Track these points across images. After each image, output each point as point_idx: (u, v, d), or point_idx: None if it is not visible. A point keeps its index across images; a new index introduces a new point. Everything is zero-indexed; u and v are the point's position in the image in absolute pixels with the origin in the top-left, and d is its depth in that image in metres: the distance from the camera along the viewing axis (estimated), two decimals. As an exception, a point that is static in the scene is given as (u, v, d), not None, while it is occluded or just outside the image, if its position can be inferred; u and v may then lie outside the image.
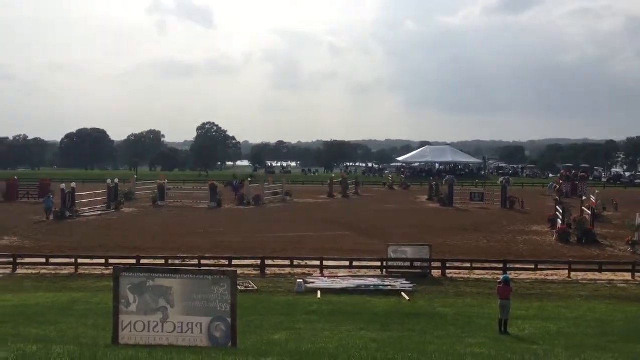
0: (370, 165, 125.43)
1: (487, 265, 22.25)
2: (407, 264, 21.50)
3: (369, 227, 33.95)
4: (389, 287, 19.16)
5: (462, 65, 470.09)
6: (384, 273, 21.35)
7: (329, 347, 10.02)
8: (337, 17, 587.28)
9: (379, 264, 21.80)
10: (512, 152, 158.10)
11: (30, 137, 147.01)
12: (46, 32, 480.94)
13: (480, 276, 21.27)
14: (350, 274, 21.12)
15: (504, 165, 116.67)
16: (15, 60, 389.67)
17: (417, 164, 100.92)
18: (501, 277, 15.05)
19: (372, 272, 21.41)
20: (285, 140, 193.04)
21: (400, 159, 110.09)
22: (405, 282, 19.79)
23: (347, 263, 21.90)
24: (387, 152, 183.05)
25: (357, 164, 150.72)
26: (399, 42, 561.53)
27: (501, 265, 21.40)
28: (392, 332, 13.11)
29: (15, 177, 56.27)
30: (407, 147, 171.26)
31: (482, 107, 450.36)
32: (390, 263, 21.57)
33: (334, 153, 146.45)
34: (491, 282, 19.21)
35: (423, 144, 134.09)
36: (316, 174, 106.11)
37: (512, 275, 18.79)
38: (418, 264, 21.56)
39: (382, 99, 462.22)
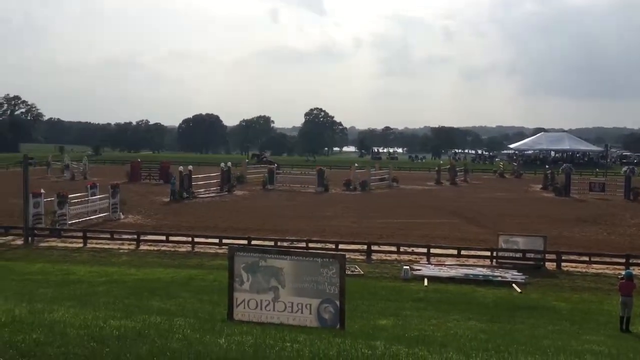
0: (480, 152, 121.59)
1: (607, 259, 20.91)
2: (519, 255, 20.69)
3: (478, 215, 33.04)
4: (499, 278, 18.57)
5: (584, 47, 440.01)
6: (494, 263, 20.73)
7: (436, 336, 9.90)
8: (451, 0, 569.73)
9: (488, 253, 21.19)
10: (638, 140, 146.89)
11: (152, 122, 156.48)
12: (171, 22, 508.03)
13: (599, 271, 20.05)
14: (458, 262, 20.70)
15: (628, 153, 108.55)
16: (143, 49, 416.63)
17: (530, 152, 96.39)
18: (623, 272, 14.13)
19: (481, 262, 20.86)
20: (392, 126, 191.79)
21: (512, 146, 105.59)
22: (516, 273, 19.09)
23: (455, 251, 21.46)
24: (498, 139, 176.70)
25: (466, 150, 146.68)
26: (516, 24, 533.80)
27: (623, 260, 20.06)
28: (502, 324, 12.72)
29: (139, 160, 60.28)
30: (520, 133, 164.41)
31: (605, 91, 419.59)
32: (500, 253, 20.89)
33: (442, 139, 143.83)
34: (612, 278, 18.11)
35: (538, 130, 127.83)
36: (423, 161, 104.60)
37: (635, 271, 17.55)
38: (531, 255, 20.68)
39: (495, 84, 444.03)
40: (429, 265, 20.10)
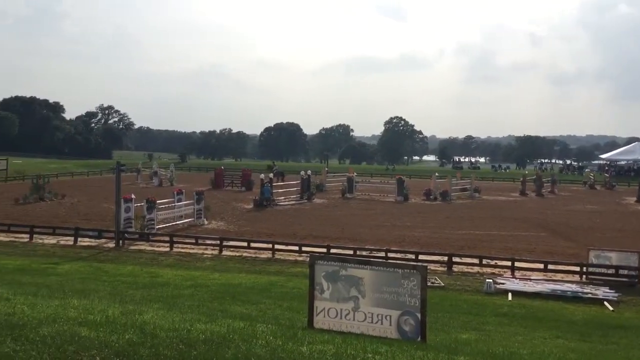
0: (568, 162, 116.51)
1: None
2: (612, 271, 19.62)
3: (566, 228, 31.64)
4: (589, 295, 17.66)
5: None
6: (584, 279, 19.76)
7: (522, 353, 9.51)
8: (538, 4, 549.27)
9: (577, 268, 20.25)
10: None
11: (235, 130, 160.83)
12: (254, 32, 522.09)
13: (701, 291, 18.66)
14: (545, 277, 19.89)
15: None
16: (227, 59, 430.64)
17: (623, 162, 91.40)
18: None
19: (569, 277, 19.95)
20: (474, 134, 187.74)
21: (603, 156, 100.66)
22: (608, 290, 18.10)
23: (541, 265, 20.65)
24: (587, 148, 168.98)
25: (553, 160, 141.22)
26: (609, 28, 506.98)
27: None
28: (593, 344, 12.06)
29: (222, 167, 62.03)
30: (612, 143, 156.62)
31: None
32: (591, 269, 19.89)
33: (527, 149, 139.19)
34: None
35: (632, 140, 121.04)
36: (507, 171, 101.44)
37: None
38: (624, 272, 19.56)
39: (584, 91, 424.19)
40: (514, 279, 19.43)
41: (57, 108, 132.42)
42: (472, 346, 9.62)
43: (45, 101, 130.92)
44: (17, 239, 25.34)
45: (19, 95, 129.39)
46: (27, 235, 25.61)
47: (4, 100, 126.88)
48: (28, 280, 15.31)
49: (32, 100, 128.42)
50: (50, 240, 25.32)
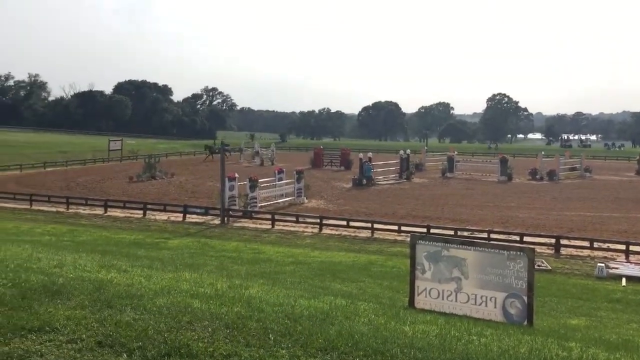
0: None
1: None
2: None
3: (689, 211, 29.24)
4: None
5: None
6: None
7: (638, 341, 8.95)
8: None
9: (702, 254, 18.69)
10: None
11: (333, 110, 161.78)
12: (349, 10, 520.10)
13: None
14: (664, 262, 18.52)
15: None
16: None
17: None
18: None
19: (692, 264, 18.46)
20: (584, 111, 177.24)
21: None
22: None
23: (660, 250, 19.25)
24: None
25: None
26: None
27: None
28: None
29: (321, 147, 62.70)
30: None
31: None
32: None
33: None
34: None
35: None
36: (621, 149, 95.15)
37: None
38: None
39: None
40: (628, 264, 18.26)
41: (165, 91, 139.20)
42: (583, 332, 9.18)
43: (155, 84, 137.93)
44: (131, 215, 27.07)
45: (132, 79, 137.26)
46: (141, 212, 27.29)
47: (118, 84, 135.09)
48: (143, 253, 16.31)
49: (143, 83, 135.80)
50: (162, 216, 26.81)
